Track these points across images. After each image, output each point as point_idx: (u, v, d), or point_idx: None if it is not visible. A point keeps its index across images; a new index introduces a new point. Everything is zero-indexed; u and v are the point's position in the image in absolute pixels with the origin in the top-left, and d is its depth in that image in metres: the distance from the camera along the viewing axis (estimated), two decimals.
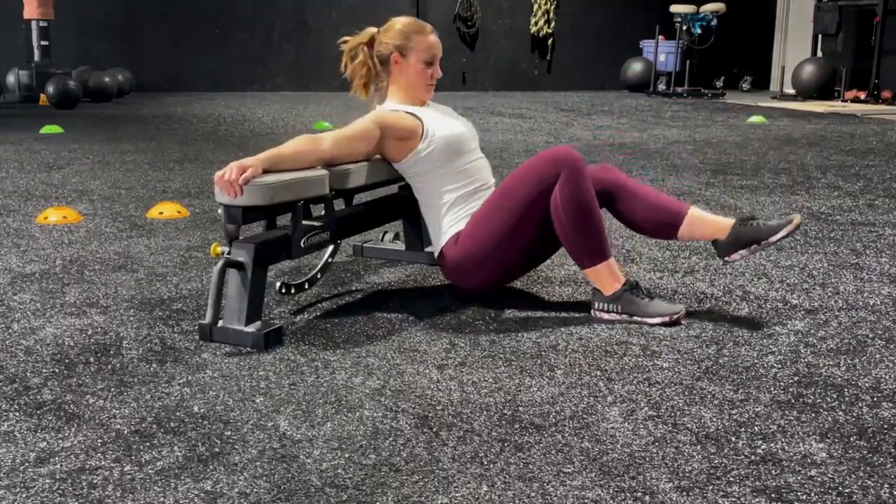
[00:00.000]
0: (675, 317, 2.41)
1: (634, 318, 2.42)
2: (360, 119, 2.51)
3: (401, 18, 2.65)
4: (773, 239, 2.40)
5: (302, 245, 2.40)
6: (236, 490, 1.52)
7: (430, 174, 2.55)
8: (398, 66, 2.60)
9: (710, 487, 1.53)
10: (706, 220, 2.49)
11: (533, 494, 1.50)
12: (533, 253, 2.56)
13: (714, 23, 11.45)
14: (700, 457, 1.64)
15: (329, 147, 2.39)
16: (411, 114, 2.55)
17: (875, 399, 1.91)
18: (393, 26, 2.62)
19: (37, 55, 9.96)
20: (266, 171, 2.24)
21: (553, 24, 13.33)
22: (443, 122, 2.57)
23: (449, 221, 2.55)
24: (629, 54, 12.86)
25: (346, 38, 2.70)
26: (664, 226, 2.51)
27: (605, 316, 2.46)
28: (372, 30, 2.66)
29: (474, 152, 2.63)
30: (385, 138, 2.50)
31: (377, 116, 2.52)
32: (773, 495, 1.50)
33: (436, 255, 2.61)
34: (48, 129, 7.04)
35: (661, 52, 11.94)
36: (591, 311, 2.50)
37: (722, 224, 2.48)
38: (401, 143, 2.52)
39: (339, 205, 2.77)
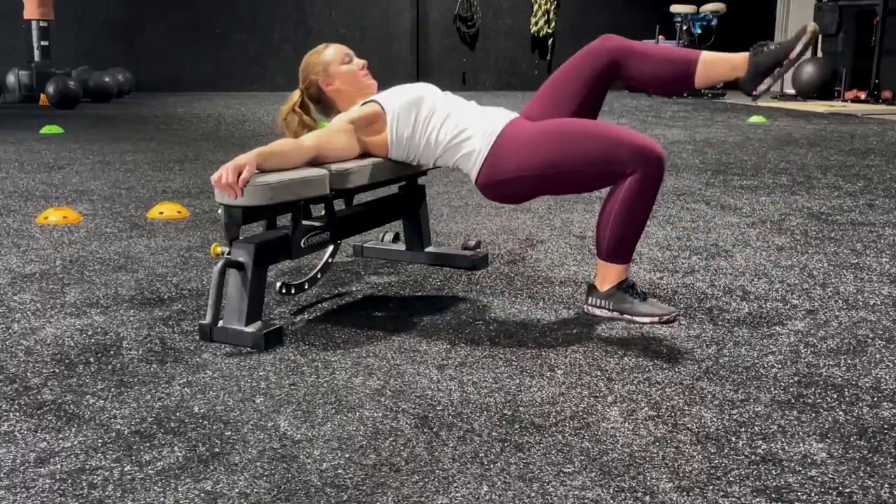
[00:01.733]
0: (666, 318, 2.41)
1: (625, 316, 2.43)
2: (331, 121, 2.57)
3: (306, 56, 2.73)
4: (794, 54, 2.35)
5: (302, 245, 2.40)
6: (236, 490, 1.52)
7: (413, 136, 2.55)
8: (330, 85, 2.66)
9: (711, 487, 1.53)
10: (721, 60, 2.45)
11: (533, 494, 1.50)
12: (574, 191, 2.51)
13: (714, 23, 11.45)
14: (700, 457, 1.64)
15: (311, 142, 2.41)
16: (366, 102, 2.59)
17: (875, 399, 1.91)
18: (303, 67, 2.71)
19: (37, 55, 9.97)
20: (258, 168, 2.24)
21: (553, 25, 13.33)
22: (392, 92, 2.61)
23: (472, 144, 2.50)
24: None
25: (281, 108, 2.75)
26: (680, 75, 2.46)
27: (596, 311, 2.48)
28: (295, 92, 2.73)
29: (434, 94, 2.61)
30: (358, 130, 2.52)
31: (341, 116, 2.58)
32: (773, 495, 1.50)
33: (472, 176, 2.54)
34: (48, 129, 7.05)
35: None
36: (584, 306, 2.52)
37: (737, 60, 2.43)
38: (372, 129, 2.54)
39: (339, 205, 2.77)
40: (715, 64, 2.44)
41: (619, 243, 2.41)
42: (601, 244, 2.44)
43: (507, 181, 2.47)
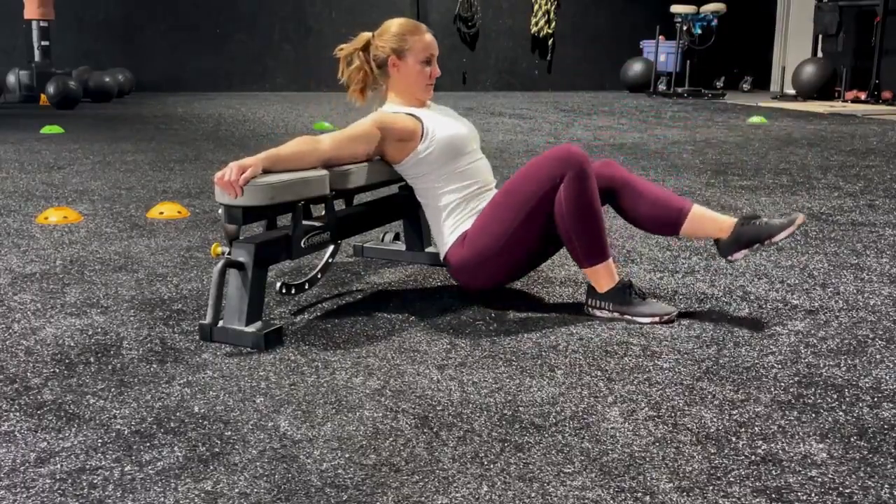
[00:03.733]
0: (666, 317, 2.42)
1: (626, 316, 2.44)
2: (361, 120, 2.51)
3: (395, 20, 2.64)
4: (776, 238, 2.40)
5: (302, 245, 2.40)
6: (236, 490, 1.52)
7: (431, 175, 2.55)
8: (396, 68, 2.59)
9: (711, 488, 1.53)
10: (709, 219, 2.49)
11: (533, 495, 1.50)
12: (539, 250, 2.56)
13: (714, 23, 11.45)
14: (700, 457, 1.64)
15: (329, 148, 2.39)
16: (411, 115, 2.55)
17: (875, 399, 1.91)
18: (388, 29, 2.61)
19: (37, 55, 9.97)
20: (266, 171, 2.24)
21: (553, 25, 13.33)
22: (443, 123, 2.57)
23: (453, 223, 2.55)
24: (629, 54, 12.86)
25: (342, 45, 2.69)
26: (667, 223, 2.51)
27: (598, 313, 2.48)
28: (367, 34, 2.66)
29: (475, 153, 2.63)
30: (385, 140, 2.50)
31: (377, 118, 2.52)
32: (773, 496, 1.50)
33: (441, 256, 2.61)
34: (48, 130, 7.04)
35: (662, 53, 11.94)
36: (584, 308, 2.52)
37: (724, 223, 2.48)
38: (401, 145, 2.52)
39: (339, 205, 2.77)
40: (703, 222, 2.49)
41: (587, 245, 2.42)
42: (575, 255, 2.46)
43: (473, 268, 2.51)
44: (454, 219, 2.55)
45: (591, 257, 2.43)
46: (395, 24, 2.62)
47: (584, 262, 2.45)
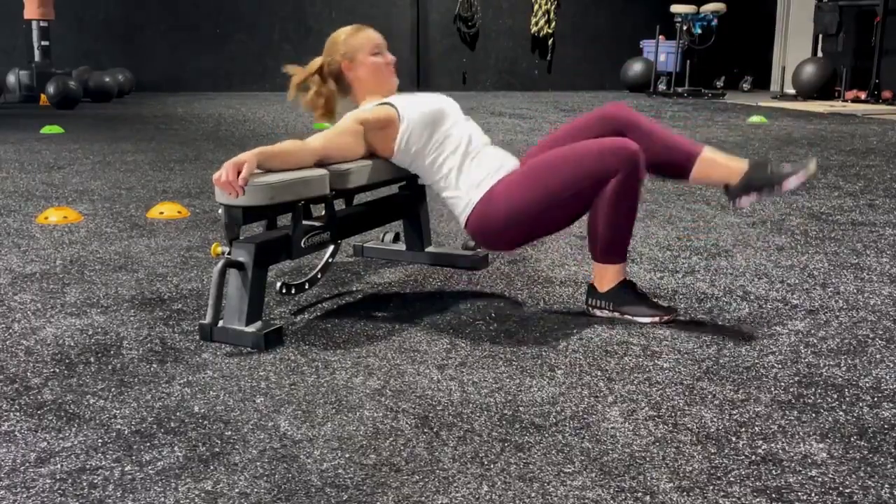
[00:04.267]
0: (666, 317, 2.42)
1: (626, 316, 2.44)
2: (341, 119, 2.56)
3: (335, 32, 2.70)
4: (787, 186, 2.36)
5: (302, 245, 2.40)
6: (237, 490, 1.52)
7: (422, 152, 2.54)
8: (351, 71, 2.64)
9: (711, 487, 1.53)
10: (719, 163, 2.46)
11: (533, 494, 1.50)
12: (569, 222, 2.53)
13: (714, 23, 11.44)
14: (700, 457, 1.64)
15: (318, 144, 2.40)
16: (382, 104, 2.57)
17: (876, 399, 1.91)
18: (332, 41, 2.68)
19: (37, 55, 9.96)
20: (260, 168, 2.24)
21: (553, 24, 13.32)
22: (414, 101, 2.59)
23: (466, 186, 2.51)
24: (629, 54, 12.86)
25: (293, 67, 2.72)
26: (676, 167, 2.48)
27: (598, 312, 2.48)
28: (318, 59, 2.71)
29: (454, 115, 2.61)
30: (367, 132, 2.51)
31: (353, 114, 2.56)
32: (773, 495, 1.50)
33: (462, 223, 2.56)
34: (48, 129, 7.04)
35: (662, 53, 11.93)
36: (584, 307, 2.52)
37: (735, 167, 2.45)
38: (384, 134, 2.53)
39: (339, 205, 2.77)
40: (713, 166, 2.46)
41: (611, 243, 2.41)
42: (595, 247, 2.44)
43: (497, 231, 2.48)
44: (466, 180, 2.51)
45: (610, 255, 2.43)
46: (336, 35, 2.69)
47: (600, 258, 2.44)
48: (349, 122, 2.51)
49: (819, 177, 5.00)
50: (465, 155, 2.53)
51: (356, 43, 2.64)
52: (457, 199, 2.53)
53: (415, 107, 2.55)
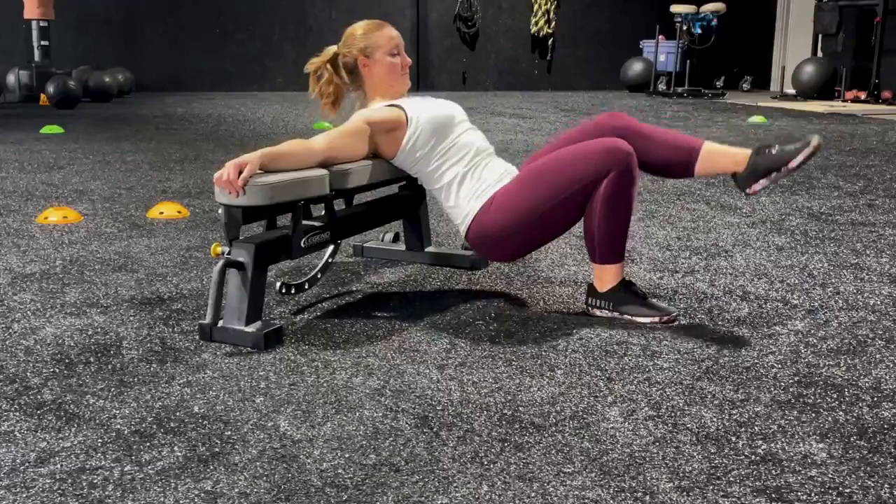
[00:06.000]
0: (666, 318, 2.42)
1: (626, 316, 2.44)
2: (349, 120, 2.54)
3: (357, 25, 2.68)
4: (794, 163, 2.36)
5: (302, 245, 2.40)
6: (236, 490, 1.52)
7: (427, 158, 2.55)
8: (367, 68, 2.63)
9: (711, 487, 1.53)
10: (722, 154, 2.47)
11: (533, 494, 1.50)
12: (566, 227, 2.53)
13: (714, 23, 11.44)
14: (700, 457, 1.64)
15: (322, 146, 2.40)
16: (392, 105, 2.57)
17: (875, 399, 1.91)
18: (352, 34, 2.65)
19: (37, 55, 9.96)
20: (264, 170, 2.24)
21: (553, 24, 13.33)
22: (424, 105, 2.58)
23: (466, 197, 2.51)
24: (629, 54, 12.86)
25: (312, 59, 2.71)
26: (680, 164, 2.48)
27: (598, 312, 2.48)
28: (332, 48, 2.69)
29: (463, 125, 2.62)
30: (374, 133, 2.51)
31: (362, 114, 2.55)
32: (773, 495, 1.50)
33: (462, 232, 2.57)
34: (48, 129, 7.04)
35: (662, 52, 11.94)
36: (584, 307, 2.52)
37: (739, 155, 2.45)
38: (390, 136, 2.53)
39: (339, 205, 2.77)
40: (716, 157, 2.47)
41: (609, 245, 2.41)
42: (592, 249, 2.44)
43: (497, 240, 2.48)
44: (466, 192, 2.52)
45: (608, 256, 2.43)
46: (357, 28, 2.66)
47: (598, 259, 2.45)
48: (356, 122, 2.50)
49: (819, 177, 5.01)
50: (469, 165, 2.54)
51: (377, 40, 2.62)
52: (457, 209, 2.55)
53: (425, 111, 2.55)
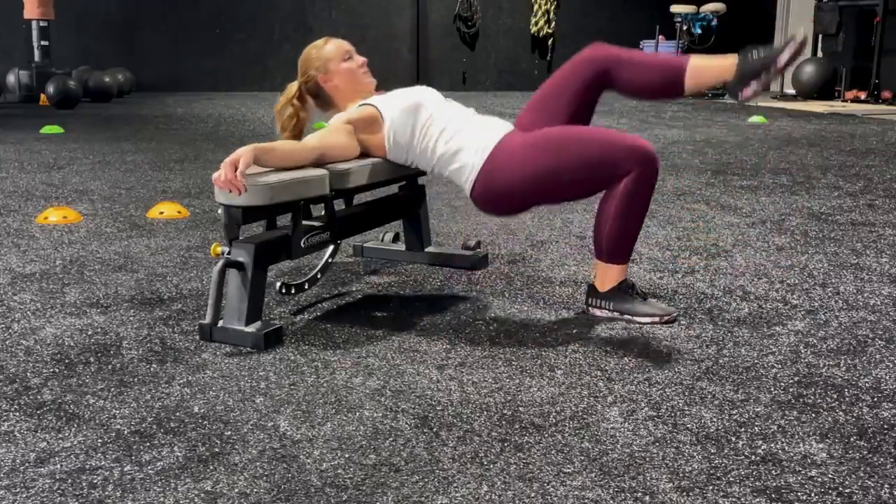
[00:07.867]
0: (666, 318, 2.42)
1: (626, 316, 2.44)
2: (328, 123, 2.58)
3: (304, 51, 2.74)
4: (782, 60, 2.35)
5: (302, 245, 2.40)
6: (236, 490, 1.52)
7: (411, 143, 2.55)
8: (329, 83, 2.67)
9: (710, 487, 1.53)
10: (709, 65, 2.46)
11: (533, 494, 1.50)
12: (572, 199, 2.53)
13: (714, 23, 11.45)
14: (700, 457, 1.64)
15: (313, 142, 2.42)
16: (363, 105, 2.59)
17: (875, 399, 1.91)
18: (304, 60, 2.72)
19: (37, 55, 9.96)
20: (257, 163, 2.24)
21: (553, 25, 13.33)
22: (391, 98, 2.60)
23: (466, 156, 2.50)
24: None
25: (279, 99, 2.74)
26: (668, 83, 2.47)
27: (598, 312, 2.48)
28: (294, 83, 2.73)
29: (433, 103, 2.61)
30: (357, 131, 2.53)
31: (339, 117, 2.58)
32: (773, 495, 1.50)
33: (466, 189, 2.54)
34: (48, 129, 7.04)
35: (662, 52, 11.94)
36: (584, 307, 2.52)
37: (726, 64, 2.43)
38: (372, 134, 2.55)
39: (339, 205, 2.77)
40: (703, 69, 2.45)
41: (618, 244, 2.42)
42: (600, 246, 2.44)
43: (502, 194, 2.47)
44: (464, 151, 2.51)
45: (614, 255, 2.43)
46: (306, 52, 2.73)
47: (605, 257, 2.45)
48: (337, 122, 2.54)
49: (819, 177, 5.01)
50: (455, 132, 2.53)
51: (326, 54, 2.67)
52: (460, 168, 2.52)
53: (394, 103, 2.57)
